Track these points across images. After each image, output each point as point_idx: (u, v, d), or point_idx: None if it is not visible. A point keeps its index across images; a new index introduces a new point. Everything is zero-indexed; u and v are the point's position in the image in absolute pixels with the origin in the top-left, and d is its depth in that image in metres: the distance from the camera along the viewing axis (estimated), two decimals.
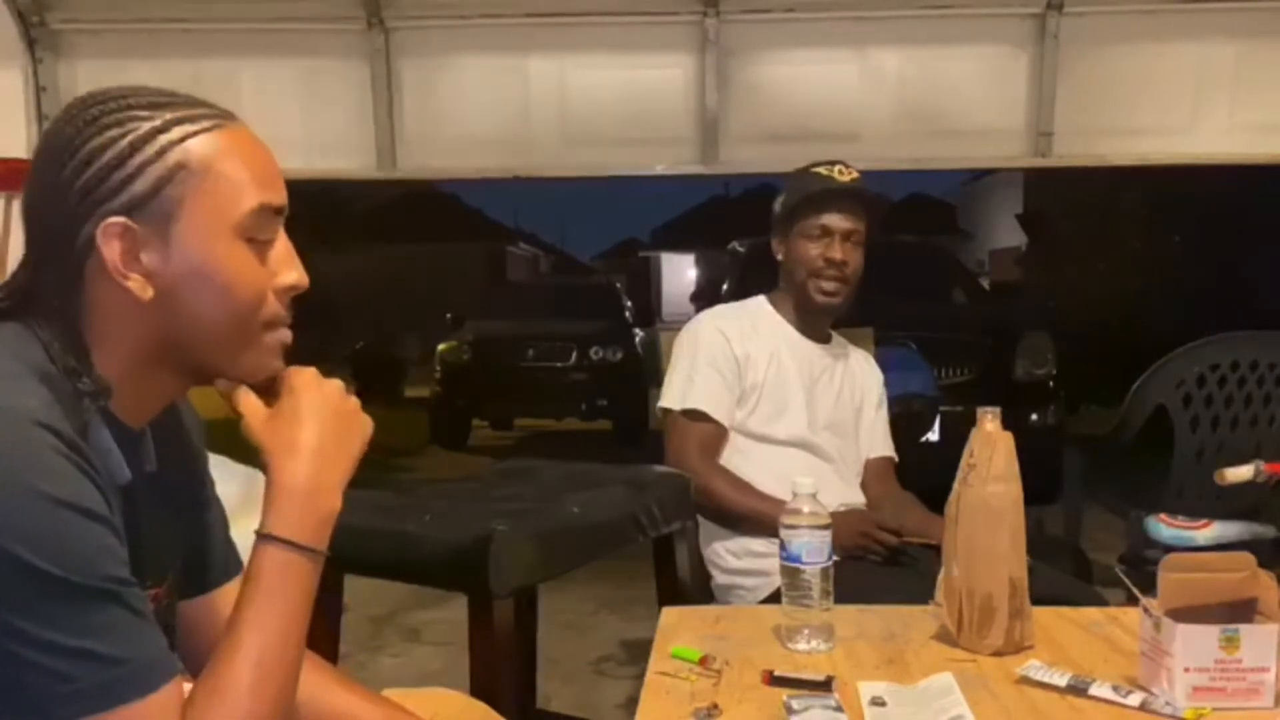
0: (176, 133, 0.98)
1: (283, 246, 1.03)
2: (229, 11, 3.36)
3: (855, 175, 2.33)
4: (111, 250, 0.95)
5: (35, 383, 0.91)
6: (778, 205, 2.40)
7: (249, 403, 1.04)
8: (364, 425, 1.08)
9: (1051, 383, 6.01)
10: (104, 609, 0.87)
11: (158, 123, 0.97)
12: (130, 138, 0.96)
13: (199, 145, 0.98)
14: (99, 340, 0.98)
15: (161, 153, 0.97)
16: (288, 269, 1.03)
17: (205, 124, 0.99)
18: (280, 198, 1.03)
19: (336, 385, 1.07)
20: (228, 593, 1.17)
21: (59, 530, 0.86)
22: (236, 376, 1.04)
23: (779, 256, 2.40)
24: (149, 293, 0.97)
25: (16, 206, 3.26)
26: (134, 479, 1.00)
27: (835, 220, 2.30)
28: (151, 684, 0.89)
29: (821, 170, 2.33)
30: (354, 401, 1.07)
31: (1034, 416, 5.71)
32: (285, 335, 1.04)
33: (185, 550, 1.13)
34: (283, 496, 1.01)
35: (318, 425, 1.03)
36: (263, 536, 1.00)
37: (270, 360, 1.04)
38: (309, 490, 1.01)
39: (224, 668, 0.95)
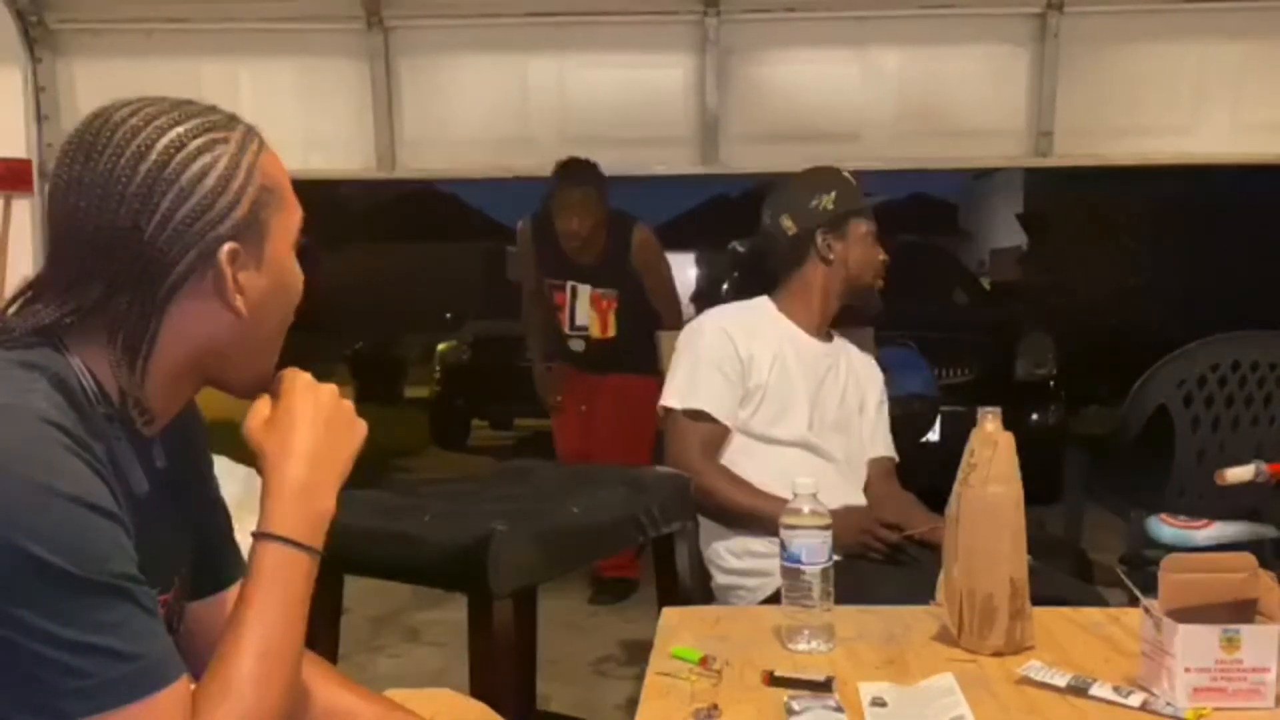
0: (250, 153, 1.00)
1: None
2: (228, 11, 3.36)
3: None
4: (228, 275, 0.97)
5: (48, 387, 0.91)
6: (818, 201, 2.35)
7: (258, 404, 1.07)
8: (358, 428, 1.09)
9: (1051, 383, 6.01)
10: (116, 605, 0.87)
11: (235, 144, 0.99)
12: (224, 162, 0.97)
13: (267, 164, 1.01)
14: (151, 362, 0.98)
15: (249, 175, 0.99)
16: None
17: (259, 140, 1.02)
18: None
19: (330, 389, 1.08)
20: (236, 592, 1.18)
21: (70, 526, 0.86)
22: (256, 381, 1.06)
23: (829, 256, 2.35)
24: (245, 311, 0.99)
25: (17, 206, 3.26)
26: (147, 487, 1.00)
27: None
28: (162, 681, 0.89)
29: (849, 177, 2.40)
30: (348, 405, 1.09)
31: (1034, 416, 5.71)
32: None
33: (193, 553, 1.14)
34: (278, 497, 1.02)
35: (311, 429, 1.05)
36: (260, 535, 1.01)
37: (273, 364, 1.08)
38: (303, 491, 1.03)
39: (229, 662, 0.95)
